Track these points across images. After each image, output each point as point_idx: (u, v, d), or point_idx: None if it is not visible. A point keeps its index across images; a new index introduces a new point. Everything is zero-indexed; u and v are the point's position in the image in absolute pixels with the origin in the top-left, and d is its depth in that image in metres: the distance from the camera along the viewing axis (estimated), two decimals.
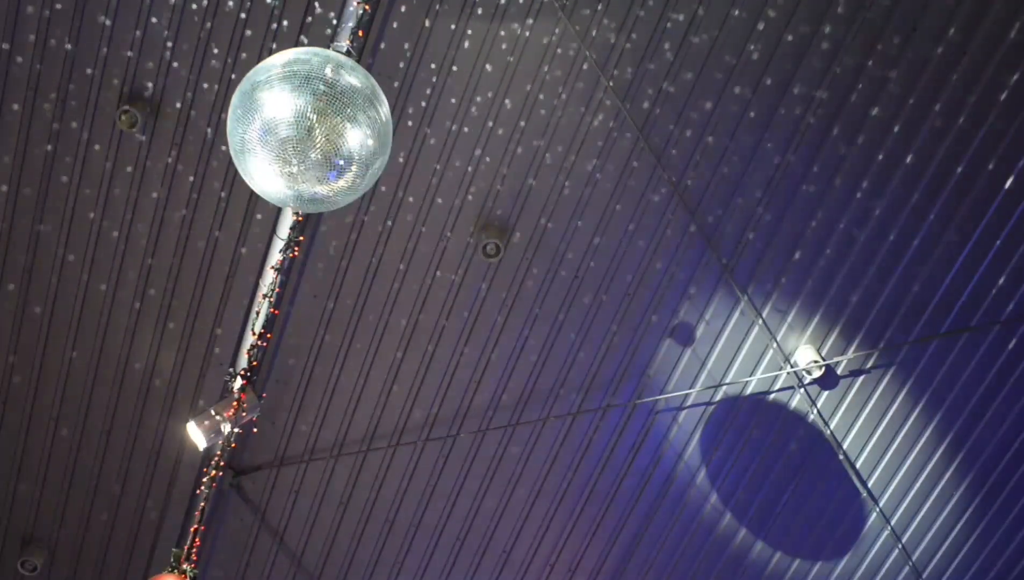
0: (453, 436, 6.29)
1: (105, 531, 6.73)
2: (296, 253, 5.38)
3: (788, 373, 5.93)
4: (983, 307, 5.68)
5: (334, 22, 5.22)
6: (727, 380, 6.04)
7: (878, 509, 6.33)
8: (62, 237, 5.80)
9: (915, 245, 5.56)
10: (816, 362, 5.82)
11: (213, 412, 5.68)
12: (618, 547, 6.64)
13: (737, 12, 5.16)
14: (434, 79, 5.37)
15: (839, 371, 5.94)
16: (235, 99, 3.63)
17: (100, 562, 6.84)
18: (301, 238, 5.37)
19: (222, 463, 5.98)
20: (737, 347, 5.95)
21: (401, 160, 5.57)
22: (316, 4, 5.20)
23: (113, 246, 5.82)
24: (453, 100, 5.42)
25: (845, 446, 6.17)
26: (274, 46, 5.30)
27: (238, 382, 5.74)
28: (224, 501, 6.58)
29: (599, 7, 5.19)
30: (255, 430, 6.27)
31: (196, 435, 5.66)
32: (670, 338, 5.96)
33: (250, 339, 5.59)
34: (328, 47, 4.35)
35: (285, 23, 5.25)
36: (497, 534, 6.66)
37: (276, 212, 5.55)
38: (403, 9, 5.21)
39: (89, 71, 5.38)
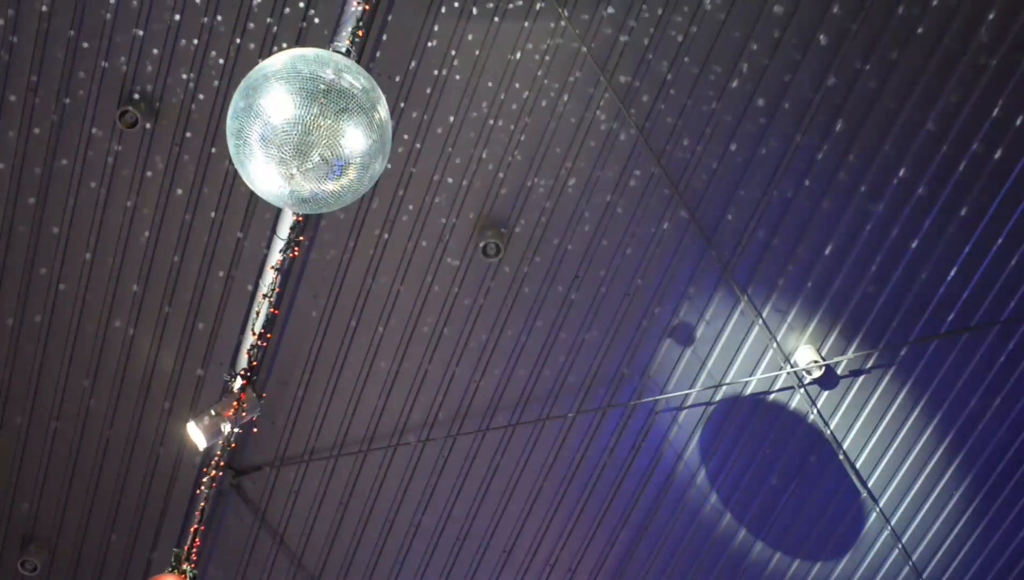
0: (453, 436, 6.29)
1: (105, 531, 6.73)
2: (296, 253, 5.38)
3: (788, 373, 5.93)
4: (983, 307, 5.67)
5: (334, 22, 5.22)
6: (727, 380, 6.04)
7: (878, 509, 6.33)
8: (62, 237, 5.80)
9: (915, 245, 5.56)
10: (816, 362, 5.82)
11: (213, 412, 5.68)
12: (618, 547, 6.64)
13: (739, 11, 5.15)
14: (434, 79, 5.37)
15: (839, 371, 5.94)
16: (234, 100, 3.63)
17: (100, 562, 6.84)
18: (301, 238, 5.37)
19: (222, 463, 5.98)
20: (737, 347, 5.95)
21: (401, 160, 5.57)
22: (316, 3, 5.20)
23: (113, 246, 5.82)
24: (453, 100, 5.42)
25: (845, 446, 6.17)
26: (274, 47, 5.30)
27: (238, 382, 5.74)
28: (224, 501, 6.58)
29: (599, 7, 5.19)
30: (255, 430, 6.26)
31: (196, 435, 5.66)
32: (670, 338, 5.96)
33: (250, 339, 5.59)
34: (328, 47, 4.35)
35: (285, 22, 5.25)
36: (497, 534, 6.66)
37: (276, 212, 5.55)
38: (403, 8, 5.20)
39: (89, 71, 5.38)
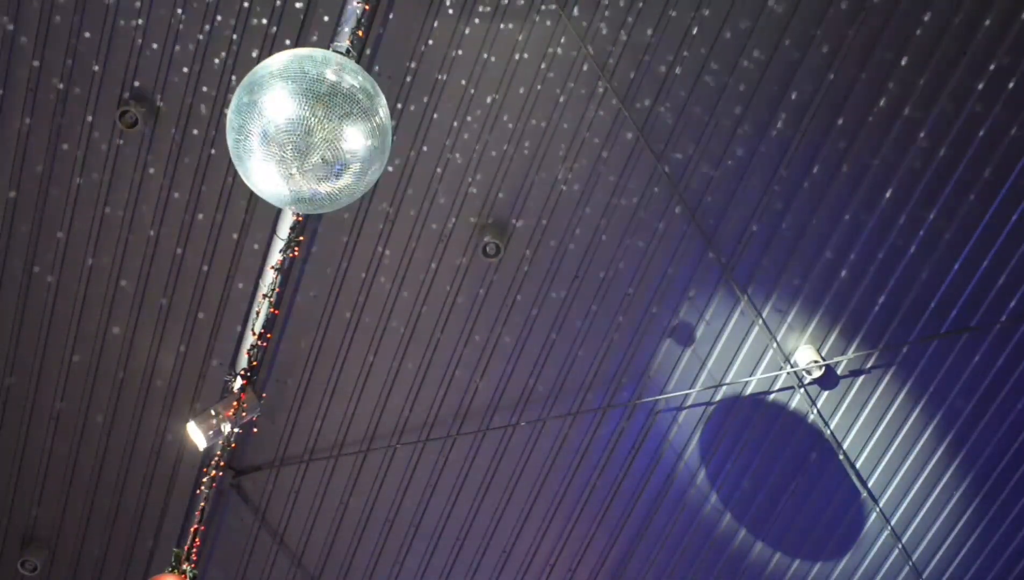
0: (453, 436, 6.29)
1: (105, 531, 6.73)
2: (296, 253, 5.38)
3: (788, 373, 5.93)
4: (983, 307, 5.68)
5: (334, 22, 5.22)
6: (727, 380, 6.04)
7: (878, 509, 6.33)
8: (62, 238, 5.80)
9: (915, 245, 5.56)
10: (816, 362, 5.82)
11: (213, 412, 5.68)
12: (618, 547, 6.64)
13: (738, 12, 5.16)
14: (434, 79, 5.37)
15: (839, 371, 5.94)
16: (235, 100, 3.63)
17: (100, 562, 6.84)
18: (301, 238, 5.37)
19: (222, 463, 5.98)
20: (737, 347, 5.95)
21: (401, 160, 5.57)
22: (316, 4, 5.20)
23: (113, 246, 5.82)
24: (453, 100, 5.42)
25: (845, 446, 6.17)
26: (275, 47, 5.30)
27: (238, 382, 5.74)
28: (224, 501, 6.58)
29: (599, 7, 5.19)
30: (255, 430, 6.27)
31: (196, 435, 5.66)
32: (670, 338, 5.96)
33: (250, 339, 5.59)
34: (328, 47, 4.35)
35: (285, 22, 5.25)
36: (497, 534, 6.66)
37: (276, 212, 5.55)
38: (403, 8, 5.20)
39: (89, 71, 5.38)
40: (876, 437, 6.12)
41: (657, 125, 5.42)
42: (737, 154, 5.45)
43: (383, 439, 6.35)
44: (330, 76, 3.58)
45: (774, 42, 5.20)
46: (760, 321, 5.84)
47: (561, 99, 5.39)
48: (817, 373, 5.83)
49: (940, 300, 5.68)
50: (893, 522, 6.38)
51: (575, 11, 5.20)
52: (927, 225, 5.50)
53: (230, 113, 3.63)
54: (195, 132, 5.51)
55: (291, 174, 3.58)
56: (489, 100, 5.41)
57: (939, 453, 6.13)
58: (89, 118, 5.49)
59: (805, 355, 5.86)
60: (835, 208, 5.52)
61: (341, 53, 3.94)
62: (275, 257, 5.38)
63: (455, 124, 5.48)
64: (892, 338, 5.81)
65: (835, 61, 5.20)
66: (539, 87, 5.37)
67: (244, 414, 5.83)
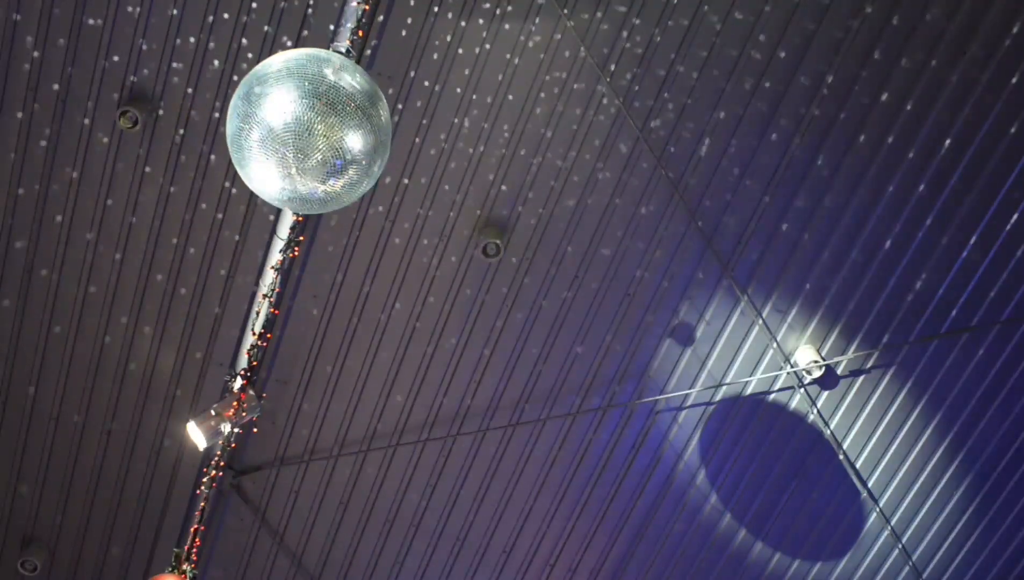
0: (453, 436, 6.29)
1: (105, 531, 6.73)
2: (296, 253, 5.37)
3: (788, 373, 5.93)
4: (983, 307, 5.68)
5: (334, 23, 5.22)
6: (727, 380, 6.04)
7: (878, 509, 6.33)
8: (62, 237, 5.80)
9: (915, 245, 5.56)
10: (816, 362, 5.82)
11: (213, 412, 5.67)
12: (618, 547, 6.64)
13: (738, 12, 5.15)
14: (434, 79, 5.37)
15: (839, 371, 5.94)
16: (234, 100, 3.62)
17: (100, 562, 6.84)
18: (301, 238, 5.37)
19: (222, 463, 5.98)
20: (737, 347, 5.95)
21: (401, 160, 5.56)
22: (316, 4, 5.19)
23: (113, 246, 5.82)
24: (453, 100, 5.41)
25: (845, 446, 6.17)
26: (275, 48, 5.30)
27: (238, 382, 5.74)
28: (224, 501, 6.58)
29: (599, 7, 5.19)
30: (255, 430, 6.26)
31: (196, 435, 5.66)
32: (670, 338, 5.96)
33: (250, 339, 5.59)
34: (328, 47, 4.35)
35: (285, 22, 5.25)
36: (497, 534, 6.66)
37: (276, 212, 5.55)
38: (403, 9, 5.20)
39: (89, 71, 5.38)
40: (876, 437, 6.12)
41: (657, 125, 5.42)
42: (737, 153, 5.45)
43: (383, 439, 6.35)
44: (329, 76, 3.57)
45: (774, 42, 5.20)
46: (760, 321, 5.84)
47: (561, 99, 5.39)
48: (817, 373, 5.83)
49: (940, 300, 5.68)
50: (893, 522, 6.38)
51: (575, 11, 5.20)
52: (927, 225, 5.50)
53: (230, 114, 3.62)
54: (195, 132, 5.51)
55: (291, 175, 3.58)
56: (489, 100, 5.41)
57: (939, 453, 6.13)
58: (89, 118, 5.49)
59: (805, 355, 5.86)
60: (835, 208, 5.52)
61: (340, 53, 3.94)
62: (275, 257, 5.38)
63: (455, 124, 5.48)
64: (892, 338, 5.81)
65: (835, 60, 5.20)
66: (539, 87, 5.37)
67: (244, 414, 5.82)
